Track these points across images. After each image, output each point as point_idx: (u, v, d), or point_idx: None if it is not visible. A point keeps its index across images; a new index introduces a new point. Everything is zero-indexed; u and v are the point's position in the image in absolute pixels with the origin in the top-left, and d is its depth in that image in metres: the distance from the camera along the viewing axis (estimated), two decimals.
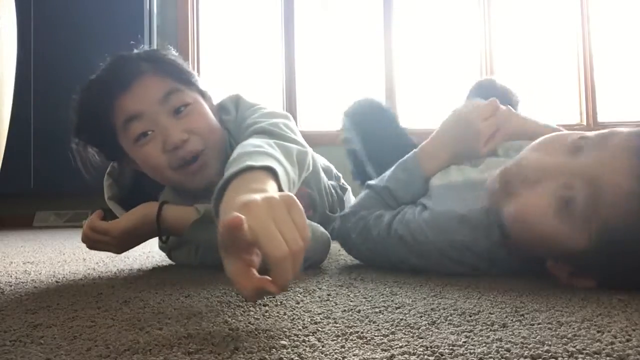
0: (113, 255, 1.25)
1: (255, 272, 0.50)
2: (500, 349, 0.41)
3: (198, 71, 3.27)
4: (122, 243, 0.86)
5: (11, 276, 0.89)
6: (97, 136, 0.89)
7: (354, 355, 0.40)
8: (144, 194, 0.95)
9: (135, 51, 0.91)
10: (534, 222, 0.65)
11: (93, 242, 0.86)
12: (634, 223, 0.59)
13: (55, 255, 1.26)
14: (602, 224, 0.60)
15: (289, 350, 0.42)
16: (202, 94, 0.92)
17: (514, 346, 0.41)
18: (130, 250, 1.33)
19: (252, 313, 0.56)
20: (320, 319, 0.53)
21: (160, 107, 0.84)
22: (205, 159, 0.86)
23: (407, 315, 0.53)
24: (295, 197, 0.52)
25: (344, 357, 0.40)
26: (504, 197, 0.70)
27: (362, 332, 0.47)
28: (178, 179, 0.87)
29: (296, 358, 0.40)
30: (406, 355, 0.40)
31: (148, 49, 0.92)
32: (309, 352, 0.41)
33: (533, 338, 0.44)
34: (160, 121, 0.83)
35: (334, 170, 1.36)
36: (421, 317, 0.52)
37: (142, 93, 0.84)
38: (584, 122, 3.28)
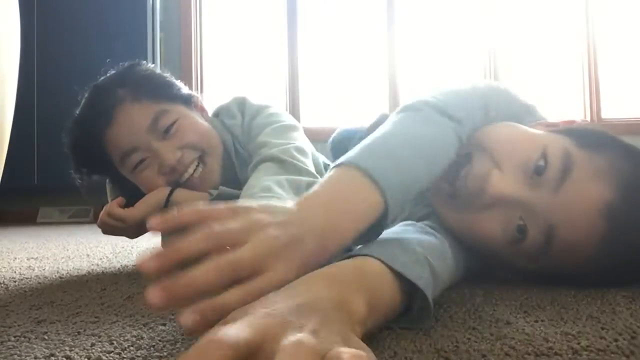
0: (117, 251, 1.25)
1: None
2: (504, 346, 0.41)
3: (201, 67, 3.27)
4: (138, 230, 0.88)
5: (15, 272, 0.89)
6: (97, 169, 0.91)
7: None
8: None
9: (111, 72, 0.90)
10: (486, 242, 0.64)
11: (109, 228, 0.87)
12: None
13: (59, 251, 1.26)
14: (551, 263, 0.61)
15: None
16: (187, 101, 0.91)
17: (518, 343, 0.41)
18: (133, 247, 1.34)
19: None
20: None
21: (150, 135, 0.84)
22: (206, 163, 0.87)
23: None
24: None
25: None
26: (456, 203, 0.66)
27: None
28: None
29: None
30: (409, 353, 0.40)
31: (123, 69, 0.91)
32: None
33: (537, 335, 0.44)
34: (152, 147, 0.84)
35: None
36: None
37: (128, 125, 0.84)
38: (588, 118, 3.26)
